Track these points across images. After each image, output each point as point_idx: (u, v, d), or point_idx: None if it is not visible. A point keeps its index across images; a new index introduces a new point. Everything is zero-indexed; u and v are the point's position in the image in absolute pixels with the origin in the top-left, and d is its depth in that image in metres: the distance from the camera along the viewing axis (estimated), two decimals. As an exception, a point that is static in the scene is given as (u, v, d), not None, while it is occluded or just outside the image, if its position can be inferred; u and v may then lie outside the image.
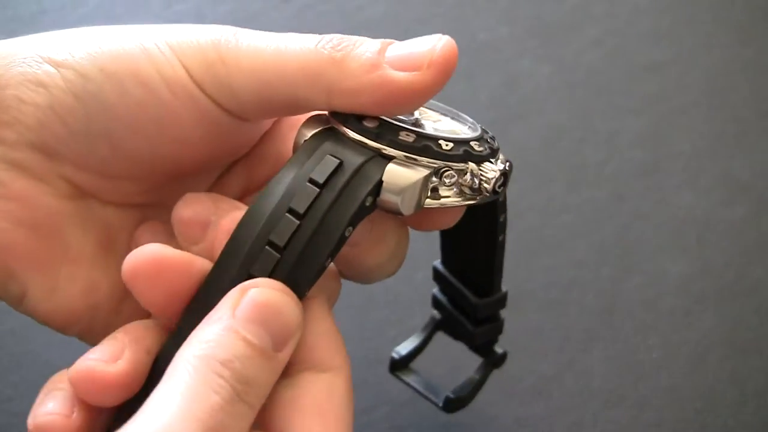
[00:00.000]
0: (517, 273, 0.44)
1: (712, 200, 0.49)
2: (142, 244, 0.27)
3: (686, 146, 0.51)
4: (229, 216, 0.27)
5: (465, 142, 0.27)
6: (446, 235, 0.34)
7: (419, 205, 0.27)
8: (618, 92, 0.54)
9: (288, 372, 0.26)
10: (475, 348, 0.37)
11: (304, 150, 0.27)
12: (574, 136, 0.51)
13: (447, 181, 0.27)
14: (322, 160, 0.26)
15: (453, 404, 0.37)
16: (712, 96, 0.54)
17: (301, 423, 0.25)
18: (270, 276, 0.25)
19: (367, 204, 0.26)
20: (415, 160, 0.27)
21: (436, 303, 0.37)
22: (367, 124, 0.27)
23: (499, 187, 0.28)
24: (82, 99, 0.27)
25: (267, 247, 0.25)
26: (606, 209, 0.48)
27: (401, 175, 0.26)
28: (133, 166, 0.28)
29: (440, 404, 0.37)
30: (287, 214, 0.26)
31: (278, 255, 0.25)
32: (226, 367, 0.24)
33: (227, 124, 0.28)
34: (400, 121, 0.27)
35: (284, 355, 0.25)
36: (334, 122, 0.27)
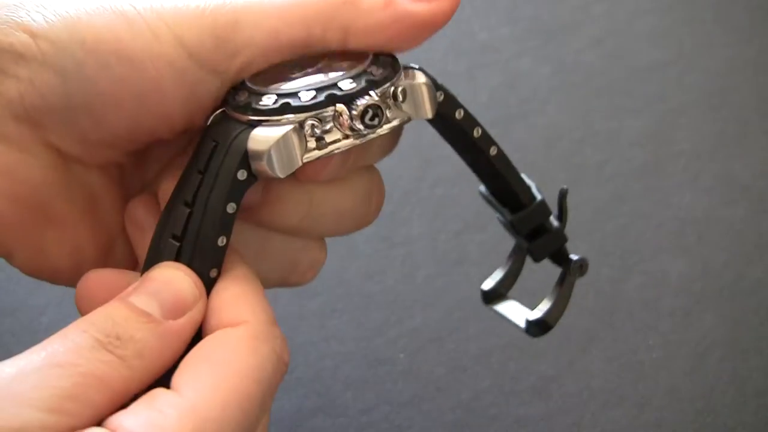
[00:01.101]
0: (517, 273, 0.44)
1: (712, 200, 0.49)
2: (135, 218, 0.29)
3: (686, 146, 0.51)
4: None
5: (331, 86, 0.27)
6: (464, 161, 0.34)
7: (294, 163, 0.27)
8: (618, 92, 0.54)
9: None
10: (552, 260, 0.36)
11: (200, 140, 0.28)
12: (574, 136, 0.51)
13: (316, 131, 0.27)
14: (203, 146, 0.27)
15: (536, 327, 0.35)
16: (712, 96, 0.54)
17: (191, 372, 0.25)
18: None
19: (241, 177, 0.27)
20: (278, 120, 0.27)
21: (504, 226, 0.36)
22: (239, 97, 0.27)
23: (371, 119, 0.27)
24: (62, 74, 0.26)
25: (170, 239, 0.27)
26: (606, 209, 0.48)
27: (261, 140, 0.26)
28: (114, 136, 0.28)
29: (523, 327, 0.35)
30: (181, 205, 0.27)
31: (178, 244, 0.27)
32: (94, 323, 0.24)
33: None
34: (271, 85, 0.27)
35: (178, 324, 0.25)
36: (228, 110, 0.28)
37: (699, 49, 0.56)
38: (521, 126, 0.51)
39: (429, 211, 0.48)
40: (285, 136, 0.26)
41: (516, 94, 0.53)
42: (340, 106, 0.27)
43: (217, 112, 0.28)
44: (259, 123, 0.27)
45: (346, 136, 0.27)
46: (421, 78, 0.28)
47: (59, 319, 0.42)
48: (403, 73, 0.28)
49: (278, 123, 0.27)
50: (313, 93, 0.27)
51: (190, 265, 0.27)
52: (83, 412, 0.23)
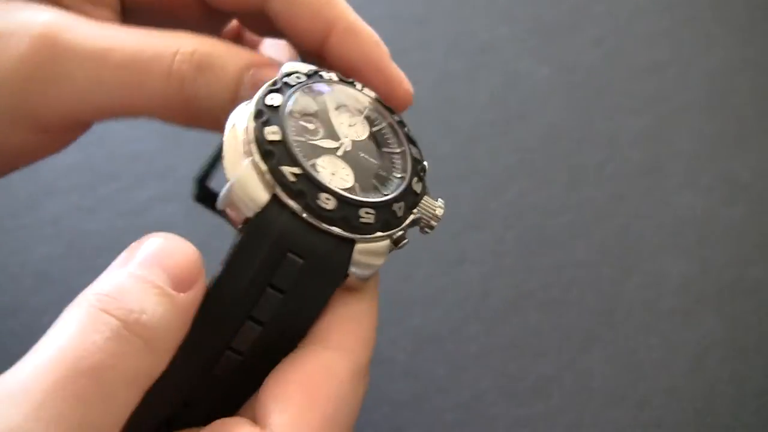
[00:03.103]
0: (517, 273, 0.44)
1: (712, 200, 0.49)
2: None
3: (686, 146, 0.51)
4: None
5: (411, 192, 0.26)
6: None
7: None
8: (618, 92, 0.54)
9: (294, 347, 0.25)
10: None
11: (255, 234, 0.24)
12: (574, 136, 0.51)
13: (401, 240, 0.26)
14: (283, 261, 0.24)
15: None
16: (712, 96, 0.54)
17: (285, 393, 0.23)
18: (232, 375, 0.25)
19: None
20: (380, 238, 0.25)
21: None
22: (324, 204, 0.25)
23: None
24: None
25: (228, 351, 0.25)
26: (606, 209, 0.48)
27: (369, 263, 0.25)
28: None
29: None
30: (249, 321, 0.24)
31: (240, 357, 0.25)
32: (112, 298, 0.22)
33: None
34: (360, 193, 0.25)
35: (187, 298, 0.23)
36: (283, 195, 0.25)
37: (699, 49, 0.56)
38: (521, 126, 0.51)
39: (429, 211, 0.48)
40: (388, 252, 0.25)
41: (516, 94, 0.53)
42: (418, 211, 0.26)
43: (264, 203, 0.24)
44: (355, 241, 0.25)
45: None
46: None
47: (59, 319, 0.42)
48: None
49: (380, 239, 0.25)
50: (402, 205, 0.26)
51: (248, 380, 0.24)
52: (113, 421, 0.21)
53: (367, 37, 0.29)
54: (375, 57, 0.29)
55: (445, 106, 0.50)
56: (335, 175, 0.25)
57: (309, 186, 0.24)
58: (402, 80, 0.29)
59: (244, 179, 0.24)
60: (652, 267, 0.46)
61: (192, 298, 0.23)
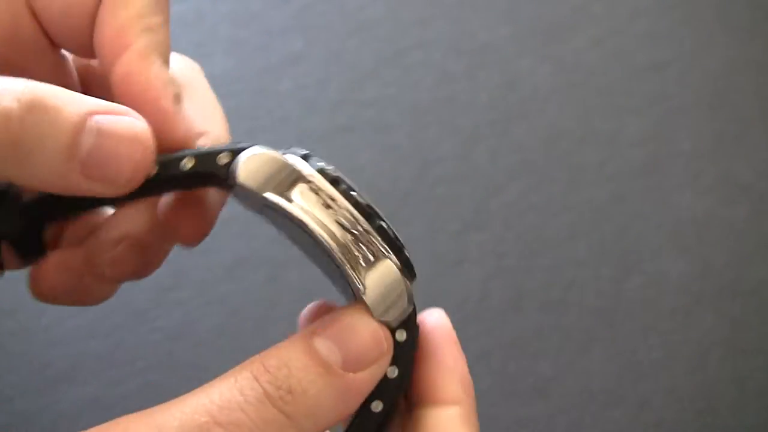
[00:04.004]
0: (517, 273, 0.44)
1: (712, 200, 0.49)
2: None
3: (686, 146, 0.51)
4: None
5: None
6: None
7: None
8: (618, 92, 0.54)
9: (408, 409, 0.25)
10: None
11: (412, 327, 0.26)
12: (574, 136, 0.51)
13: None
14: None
15: None
16: (712, 96, 0.54)
17: None
18: None
19: None
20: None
21: None
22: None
23: None
24: None
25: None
26: (606, 209, 0.48)
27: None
28: None
29: None
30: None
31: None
32: (267, 370, 0.22)
33: None
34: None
35: (359, 379, 0.23)
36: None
37: (699, 49, 0.56)
38: (521, 126, 0.51)
39: (429, 211, 0.48)
40: None
41: (516, 94, 0.53)
42: None
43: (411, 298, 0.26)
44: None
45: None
46: None
47: (59, 319, 0.42)
48: None
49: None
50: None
51: None
52: None
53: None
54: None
55: (445, 106, 0.50)
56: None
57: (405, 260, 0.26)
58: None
59: (397, 283, 0.25)
60: (652, 267, 0.46)
61: (365, 378, 0.23)
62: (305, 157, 0.25)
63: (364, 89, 0.51)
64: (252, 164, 0.25)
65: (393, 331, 0.25)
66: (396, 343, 0.25)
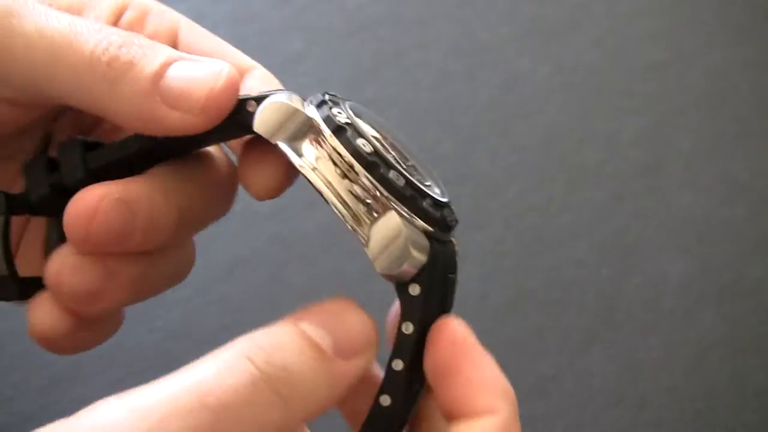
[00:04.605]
0: (517, 273, 0.44)
1: (712, 200, 0.49)
2: None
3: (686, 146, 0.51)
4: None
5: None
6: None
7: None
8: (618, 92, 0.54)
9: (446, 423, 0.25)
10: None
11: (434, 277, 0.25)
12: (574, 136, 0.51)
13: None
14: (448, 283, 0.25)
15: None
16: (712, 96, 0.54)
17: None
18: None
19: None
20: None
21: None
22: (451, 221, 0.25)
23: None
24: None
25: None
26: (606, 209, 0.48)
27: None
28: None
29: None
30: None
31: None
32: (262, 350, 0.22)
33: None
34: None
35: (348, 367, 0.23)
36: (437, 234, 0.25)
37: (699, 49, 0.56)
38: (521, 126, 0.51)
39: (429, 211, 0.48)
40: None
41: (516, 94, 0.53)
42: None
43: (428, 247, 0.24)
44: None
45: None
46: None
47: (59, 319, 0.42)
48: None
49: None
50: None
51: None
52: None
53: None
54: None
55: (445, 106, 0.50)
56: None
57: (439, 209, 0.25)
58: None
59: (409, 236, 0.24)
60: (652, 267, 0.46)
61: (353, 367, 0.23)
62: (321, 104, 0.25)
63: (364, 89, 0.51)
64: (267, 113, 0.25)
65: (406, 285, 0.24)
66: (409, 298, 0.24)
